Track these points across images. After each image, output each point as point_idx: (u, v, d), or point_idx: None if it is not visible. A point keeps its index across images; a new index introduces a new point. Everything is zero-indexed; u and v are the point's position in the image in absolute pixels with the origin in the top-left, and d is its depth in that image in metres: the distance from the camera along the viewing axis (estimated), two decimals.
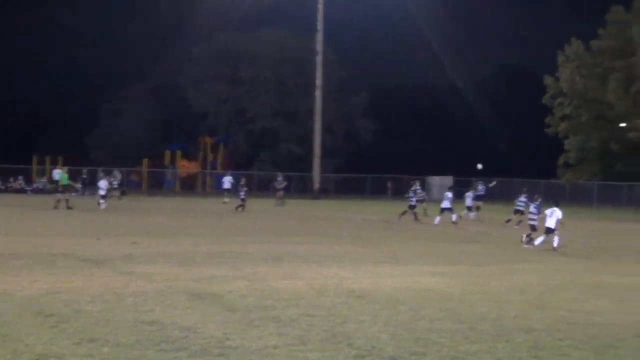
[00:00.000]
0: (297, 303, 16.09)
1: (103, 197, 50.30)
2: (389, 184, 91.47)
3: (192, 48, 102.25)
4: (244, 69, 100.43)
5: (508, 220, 45.33)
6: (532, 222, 33.18)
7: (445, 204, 45.78)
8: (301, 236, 33.61)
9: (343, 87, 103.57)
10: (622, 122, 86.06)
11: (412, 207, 46.27)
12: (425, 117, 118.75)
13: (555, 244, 30.20)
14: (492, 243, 33.47)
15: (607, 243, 35.41)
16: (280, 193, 62.89)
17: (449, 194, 46.88)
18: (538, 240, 30.90)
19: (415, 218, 45.76)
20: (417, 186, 48.65)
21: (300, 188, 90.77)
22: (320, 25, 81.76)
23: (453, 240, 34.07)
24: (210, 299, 16.31)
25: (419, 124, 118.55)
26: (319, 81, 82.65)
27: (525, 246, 31.28)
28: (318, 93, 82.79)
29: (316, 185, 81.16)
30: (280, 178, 56.72)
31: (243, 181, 55.24)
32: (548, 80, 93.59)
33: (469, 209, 49.55)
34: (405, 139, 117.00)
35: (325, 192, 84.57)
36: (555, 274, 22.71)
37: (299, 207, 61.07)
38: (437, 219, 44.20)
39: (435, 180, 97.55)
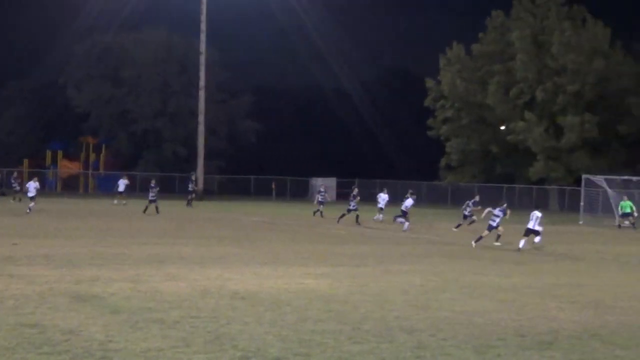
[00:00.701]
0: (181, 305, 15.98)
1: None
2: (273, 185, 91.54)
3: (73, 47, 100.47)
4: (126, 69, 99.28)
5: (458, 226, 46.13)
6: (492, 223, 34.74)
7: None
8: (184, 238, 33.37)
9: (227, 88, 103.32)
10: (502, 125, 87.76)
11: (350, 210, 46.82)
12: (310, 118, 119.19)
13: (537, 240, 33.37)
14: (376, 244, 33.76)
15: (487, 244, 36.04)
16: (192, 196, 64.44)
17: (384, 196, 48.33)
18: (521, 243, 32.56)
19: (357, 222, 46.35)
20: (355, 192, 49.09)
21: (184, 189, 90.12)
22: (203, 26, 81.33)
23: (337, 242, 34.26)
24: (93, 301, 16.08)
25: (304, 125, 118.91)
26: (202, 82, 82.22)
27: (474, 244, 33.62)
28: (202, 94, 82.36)
29: (200, 186, 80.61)
30: (152, 184, 56.56)
31: (153, 182, 54.60)
32: (430, 83, 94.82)
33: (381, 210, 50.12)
34: (290, 140, 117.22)
35: (208, 193, 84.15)
36: (436, 274, 23.00)
37: (182, 208, 60.66)
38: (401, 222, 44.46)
39: (318, 182, 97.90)
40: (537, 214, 33.43)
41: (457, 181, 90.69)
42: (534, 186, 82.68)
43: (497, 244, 34.55)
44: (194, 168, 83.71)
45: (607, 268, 27.15)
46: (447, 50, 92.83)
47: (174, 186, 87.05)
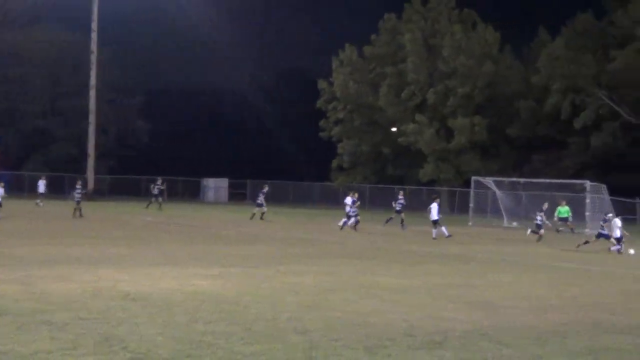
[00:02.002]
0: (71, 306, 15.72)
1: None
2: (164, 186, 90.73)
3: None
4: (14, 68, 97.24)
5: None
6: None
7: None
8: (75, 238, 32.87)
9: (119, 87, 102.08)
10: (393, 127, 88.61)
11: (350, 216, 47.25)
12: (202, 118, 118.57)
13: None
14: (269, 245, 33.73)
15: (380, 244, 36.34)
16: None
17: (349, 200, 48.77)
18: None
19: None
20: (355, 197, 49.87)
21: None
22: (94, 25, 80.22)
23: (229, 242, 34.16)
24: None
25: (196, 125, 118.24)
26: (93, 81, 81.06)
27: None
28: (92, 93, 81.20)
29: (90, 186, 79.48)
30: (78, 186, 55.63)
31: (79, 184, 53.50)
32: (323, 84, 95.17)
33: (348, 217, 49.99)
34: (182, 140, 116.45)
35: (99, 194, 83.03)
36: (329, 275, 23.10)
37: (71, 208, 59.71)
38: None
39: (210, 183, 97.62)
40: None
41: (349, 182, 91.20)
42: (425, 187, 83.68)
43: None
44: (84, 168, 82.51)
45: (496, 268, 27.60)
46: (340, 51, 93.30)
47: (63, 186, 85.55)
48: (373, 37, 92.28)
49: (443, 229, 42.45)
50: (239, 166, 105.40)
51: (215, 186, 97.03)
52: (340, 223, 46.55)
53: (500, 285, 22.66)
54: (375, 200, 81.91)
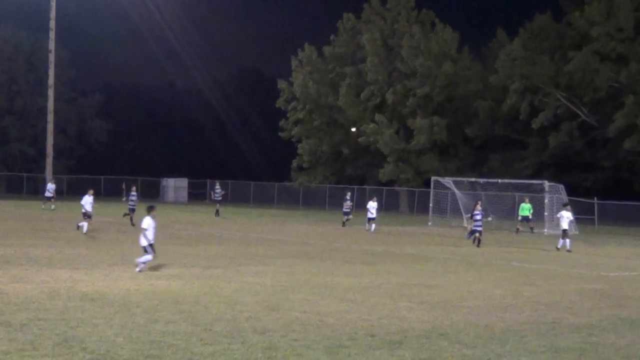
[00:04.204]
0: (28, 307, 15.60)
1: None
2: (123, 186, 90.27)
3: None
4: None
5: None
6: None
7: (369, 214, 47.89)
8: (32, 239, 32.60)
9: (77, 87, 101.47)
10: (353, 127, 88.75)
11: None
12: (162, 118, 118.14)
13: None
14: (227, 245, 33.64)
15: (338, 244, 36.38)
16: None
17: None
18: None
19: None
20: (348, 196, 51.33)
21: (31, 189, 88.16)
22: (52, 24, 79.55)
23: (188, 243, 34.04)
24: None
25: (156, 125, 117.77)
26: (51, 80, 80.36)
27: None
28: (51, 92, 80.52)
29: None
30: (48, 185, 54.94)
31: (50, 183, 52.78)
32: (282, 84, 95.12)
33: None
34: (141, 140, 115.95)
35: (57, 193, 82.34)
36: (287, 275, 23.09)
37: (29, 209, 59.28)
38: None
39: (170, 183, 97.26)
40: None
41: (308, 182, 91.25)
42: (384, 187, 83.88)
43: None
44: (42, 168, 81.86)
45: (455, 268, 27.71)
46: (299, 51, 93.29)
47: (21, 186, 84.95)
48: (332, 37, 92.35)
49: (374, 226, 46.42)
50: (199, 166, 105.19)
51: (175, 186, 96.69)
52: (372, 229, 46.96)
53: (459, 284, 22.75)
54: (334, 200, 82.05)
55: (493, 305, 18.75)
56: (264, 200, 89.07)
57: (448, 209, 62.59)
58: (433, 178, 63.86)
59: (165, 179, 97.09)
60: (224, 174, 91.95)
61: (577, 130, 74.74)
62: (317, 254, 31.16)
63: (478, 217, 38.10)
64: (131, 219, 44.90)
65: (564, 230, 38.26)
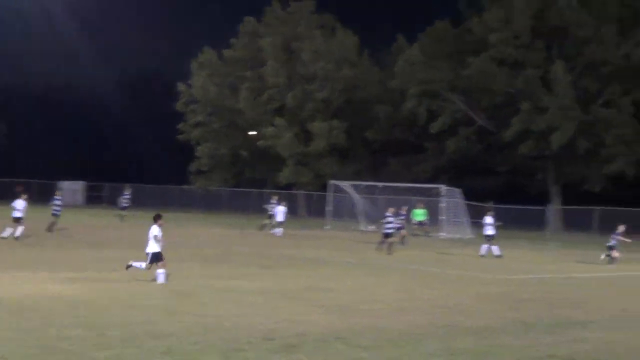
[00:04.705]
0: None
1: None
2: (18, 189, 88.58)
3: None
4: None
5: None
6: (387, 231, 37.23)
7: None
8: None
9: None
10: (252, 130, 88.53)
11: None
12: (59, 120, 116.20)
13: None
14: (127, 249, 33.21)
15: (237, 248, 36.26)
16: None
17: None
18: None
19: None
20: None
21: None
22: None
23: (85, 246, 33.57)
24: None
25: (53, 127, 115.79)
26: None
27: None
28: None
29: None
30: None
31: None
32: (182, 87, 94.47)
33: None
34: (37, 142, 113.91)
35: None
36: (185, 279, 22.92)
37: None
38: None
39: (65, 185, 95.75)
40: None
41: (207, 186, 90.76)
42: (283, 191, 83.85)
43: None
44: None
45: (353, 272, 27.83)
46: (199, 54, 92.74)
47: None
48: (233, 40, 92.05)
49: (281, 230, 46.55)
50: (97, 169, 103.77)
51: (71, 189, 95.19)
52: (279, 233, 46.71)
53: (356, 288, 22.85)
54: (232, 204, 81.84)
55: (391, 309, 18.86)
56: (162, 203, 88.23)
57: (346, 213, 62.84)
58: (331, 181, 64.06)
59: (60, 181, 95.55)
60: (123, 177, 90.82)
61: (474, 135, 75.71)
62: (216, 257, 31.03)
63: (390, 221, 37.70)
64: (52, 226, 43.31)
65: (489, 236, 38.47)
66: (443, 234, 52.98)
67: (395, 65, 77.53)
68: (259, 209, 77.10)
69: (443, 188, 56.96)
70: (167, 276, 22.06)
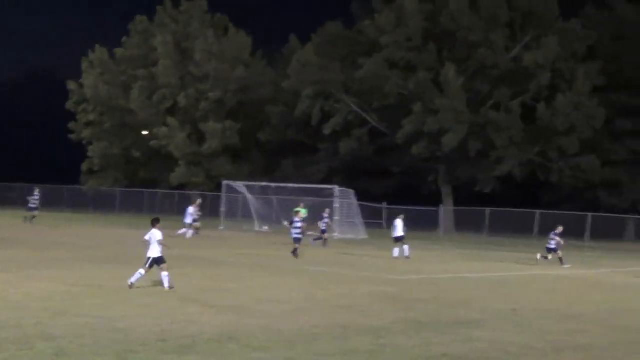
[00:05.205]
0: None
1: None
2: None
3: None
4: None
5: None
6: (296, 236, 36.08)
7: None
8: None
9: None
10: (145, 130, 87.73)
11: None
12: None
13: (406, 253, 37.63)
14: (19, 249, 32.59)
15: (130, 248, 35.88)
16: None
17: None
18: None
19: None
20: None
21: None
22: None
23: None
24: None
25: None
26: None
27: None
28: None
29: None
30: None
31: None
32: (72, 85, 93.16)
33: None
34: None
35: None
36: (80, 279, 22.60)
37: None
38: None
39: None
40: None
41: (99, 186, 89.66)
42: (176, 191, 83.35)
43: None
44: None
45: (247, 272, 27.77)
46: (90, 53, 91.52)
47: None
48: (124, 39, 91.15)
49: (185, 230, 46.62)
50: None
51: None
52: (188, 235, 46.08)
53: (250, 288, 22.81)
54: (125, 204, 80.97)
55: (285, 309, 18.87)
56: (53, 203, 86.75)
57: (240, 213, 62.75)
58: (225, 182, 63.85)
59: None
60: (11, 176, 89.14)
61: (367, 136, 76.31)
62: (109, 258, 30.64)
63: (299, 226, 37.01)
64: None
65: (398, 238, 38.73)
66: (336, 235, 53.23)
67: (289, 66, 77.65)
68: (152, 209, 76.73)
69: (336, 189, 57.23)
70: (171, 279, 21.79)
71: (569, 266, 37.34)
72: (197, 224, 49.23)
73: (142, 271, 21.68)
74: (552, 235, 38.51)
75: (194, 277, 25.23)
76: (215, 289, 22.07)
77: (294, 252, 35.60)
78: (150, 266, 21.79)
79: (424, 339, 15.78)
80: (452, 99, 68.29)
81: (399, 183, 79.63)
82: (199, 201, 51.72)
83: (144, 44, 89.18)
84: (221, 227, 59.25)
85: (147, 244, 22.09)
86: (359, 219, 57.03)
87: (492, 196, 71.97)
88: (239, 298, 20.47)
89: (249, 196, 61.33)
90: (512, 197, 71.24)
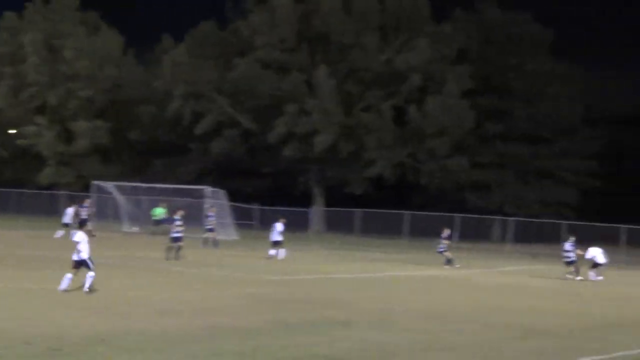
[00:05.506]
0: None
1: None
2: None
3: None
4: None
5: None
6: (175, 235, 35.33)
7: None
8: None
9: None
10: (12, 128, 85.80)
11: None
12: None
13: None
14: None
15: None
16: None
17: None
18: None
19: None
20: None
21: None
22: None
23: None
24: None
25: None
26: None
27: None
28: None
29: None
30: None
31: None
32: None
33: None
34: None
35: None
36: None
37: None
38: None
39: None
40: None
41: None
42: (45, 191, 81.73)
43: None
44: None
45: (116, 273, 27.45)
46: None
47: None
48: None
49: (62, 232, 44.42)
50: None
51: None
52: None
53: (119, 290, 22.57)
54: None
55: (153, 311, 18.73)
56: None
57: (110, 214, 61.92)
58: (94, 182, 62.92)
59: None
60: None
61: (239, 137, 76.05)
62: None
63: (179, 224, 36.20)
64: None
65: (277, 242, 38.96)
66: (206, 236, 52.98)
67: (161, 66, 76.98)
68: (19, 210, 75.09)
69: (208, 189, 56.98)
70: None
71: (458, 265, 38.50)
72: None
73: (91, 274, 21.49)
74: (441, 239, 39.62)
75: (60, 279, 24.79)
76: (82, 291, 21.72)
77: (168, 250, 35.27)
78: (79, 267, 21.60)
79: (293, 339, 15.86)
80: (324, 100, 68.63)
81: (270, 184, 79.66)
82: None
83: (12, 40, 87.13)
84: (90, 228, 58.28)
85: (76, 246, 21.88)
86: (230, 220, 56.89)
87: (363, 197, 72.61)
88: (106, 299, 20.24)
89: (119, 197, 60.56)
90: (383, 198, 71.99)
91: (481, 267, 40.76)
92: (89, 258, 21.77)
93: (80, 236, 22.05)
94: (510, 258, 49.55)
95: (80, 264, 21.66)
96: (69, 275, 21.41)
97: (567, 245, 35.73)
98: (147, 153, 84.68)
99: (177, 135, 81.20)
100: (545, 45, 75.98)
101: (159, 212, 53.41)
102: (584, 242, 36.79)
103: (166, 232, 48.33)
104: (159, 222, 53.06)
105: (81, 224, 22.49)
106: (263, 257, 38.07)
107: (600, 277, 34.79)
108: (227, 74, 73.06)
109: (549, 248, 51.97)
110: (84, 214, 48.22)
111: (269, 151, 75.74)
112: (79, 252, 21.79)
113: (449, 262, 39.23)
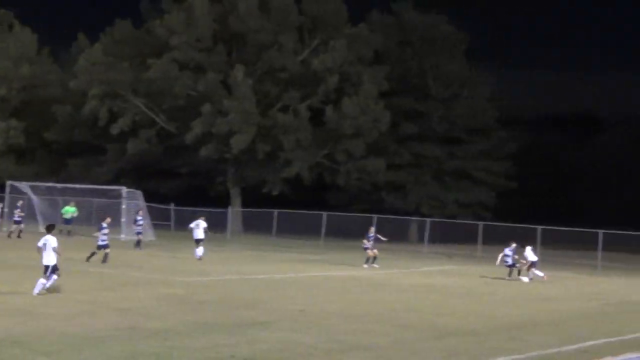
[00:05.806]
0: None
1: None
2: None
3: None
4: None
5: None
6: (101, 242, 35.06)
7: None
8: None
9: None
10: None
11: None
12: None
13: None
14: None
15: None
16: None
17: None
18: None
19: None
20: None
21: None
22: None
23: None
24: None
25: None
26: None
27: None
28: None
29: None
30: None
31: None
32: None
33: None
34: None
35: None
36: None
37: None
38: None
39: None
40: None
41: None
42: None
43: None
44: None
45: (29, 274, 27.06)
46: None
47: None
48: None
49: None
50: None
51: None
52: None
53: (29, 291, 22.24)
54: None
55: (71, 312, 18.57)
56: None
57: (25, 215, 61.05)
58: (9, 182, 62.00)
59: None
60: None
61: (155, 137, 75.48)
62: None
63: (106, 232, 35.66)
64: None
65: (199, 240, 38.93)
66: (123, 237, 52.55)
67: (76, 65, 76.10)
68: None
69: (124, 190, 56.52)
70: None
71: (377, 266, 38.90)
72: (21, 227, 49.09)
73: (43, 281, 21.15)
74: (369, 237, 40.09)
75: None
76: None
77: (92, 255, 35.03)
78: (52, 272, 21.33)
79: (211, 340, 15.87)
80: (241, 100, 68.47)
81: (187, 184, 79.25)
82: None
83: None
84: (4, 229, 57.45)
85: (40, 251, 21.57)
86: (146, 221, 56.50)
87: (281, 198, 72.66)
88: (21, 301, 20.01)
89: (34, 197, 59.76)
90: (300, 199, 72.08)
91: (399, 268, 41.11)
92: (52, 266, 21.68)
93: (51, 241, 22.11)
94: (428, 258, 50.01)
95: None
96: (54, 277, 21.32)
97: (507, 250, 36.81)
98: (63, 153, 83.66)
99: (93, 136, 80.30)
100: (461, 47, 77.02)
101: (69, 210, 53.02)
102: (500, 243, 37.62)
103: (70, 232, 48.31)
104: (69, 221, 52.75)
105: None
106: (186, 258, 37.96)
107: (532, 277, 35.76)
108: (143, 73, 72.47)
109: (466, 249, 52.70)
110: (16, 216, 48.19)
111: (186, 151, 75.27)
112: None
113: (368, 261, 39.70)
